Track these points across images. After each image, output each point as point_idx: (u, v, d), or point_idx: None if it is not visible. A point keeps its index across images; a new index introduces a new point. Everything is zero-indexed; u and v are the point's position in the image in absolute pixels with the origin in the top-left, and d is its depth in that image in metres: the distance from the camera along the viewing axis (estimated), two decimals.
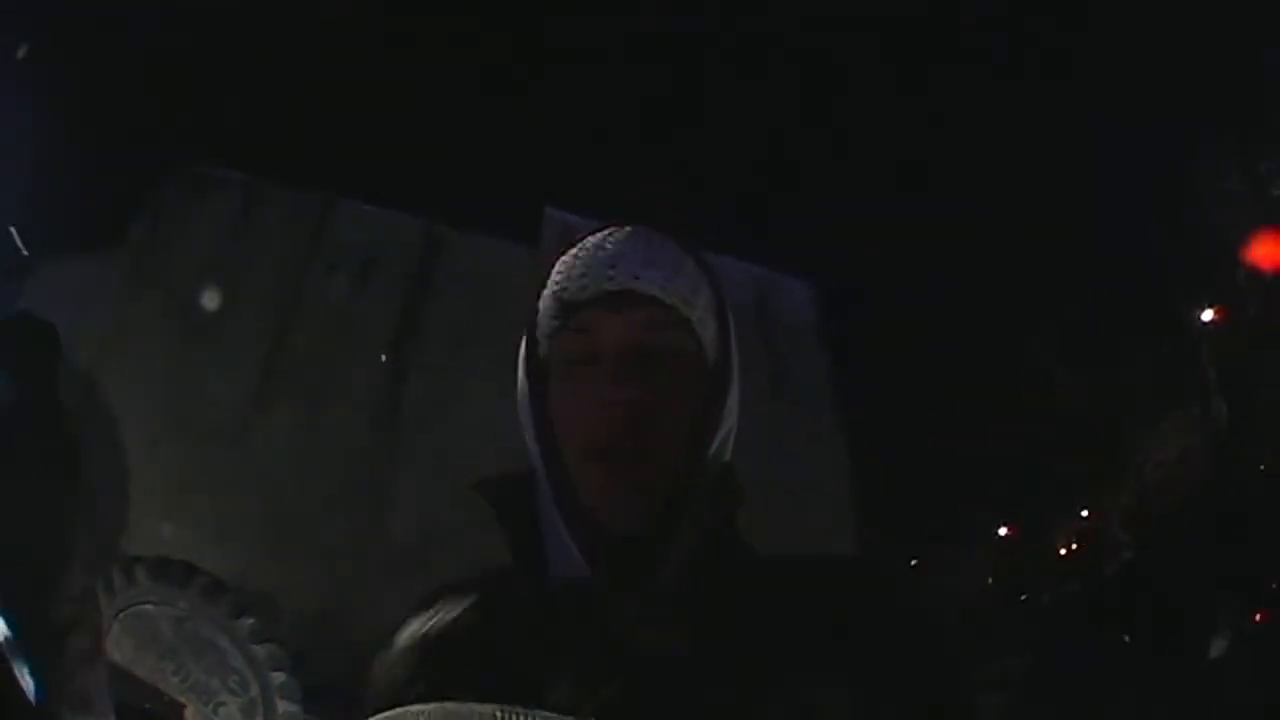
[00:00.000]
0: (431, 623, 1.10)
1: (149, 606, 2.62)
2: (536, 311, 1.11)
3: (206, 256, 4.84)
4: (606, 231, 1.11)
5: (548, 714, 0.84)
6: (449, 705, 0.88)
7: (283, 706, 2.53)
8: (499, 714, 0.85)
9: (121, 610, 2.56)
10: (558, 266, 1.10)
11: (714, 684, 0.93)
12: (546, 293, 1.09)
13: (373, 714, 0.95)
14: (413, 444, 4.70)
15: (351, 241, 5.03)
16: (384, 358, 4.71)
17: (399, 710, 0.91)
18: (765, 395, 4.54)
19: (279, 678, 2.54)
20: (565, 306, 1.07)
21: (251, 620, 2.65)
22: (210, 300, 4.67)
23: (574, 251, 1.10)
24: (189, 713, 2.49)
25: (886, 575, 1.11)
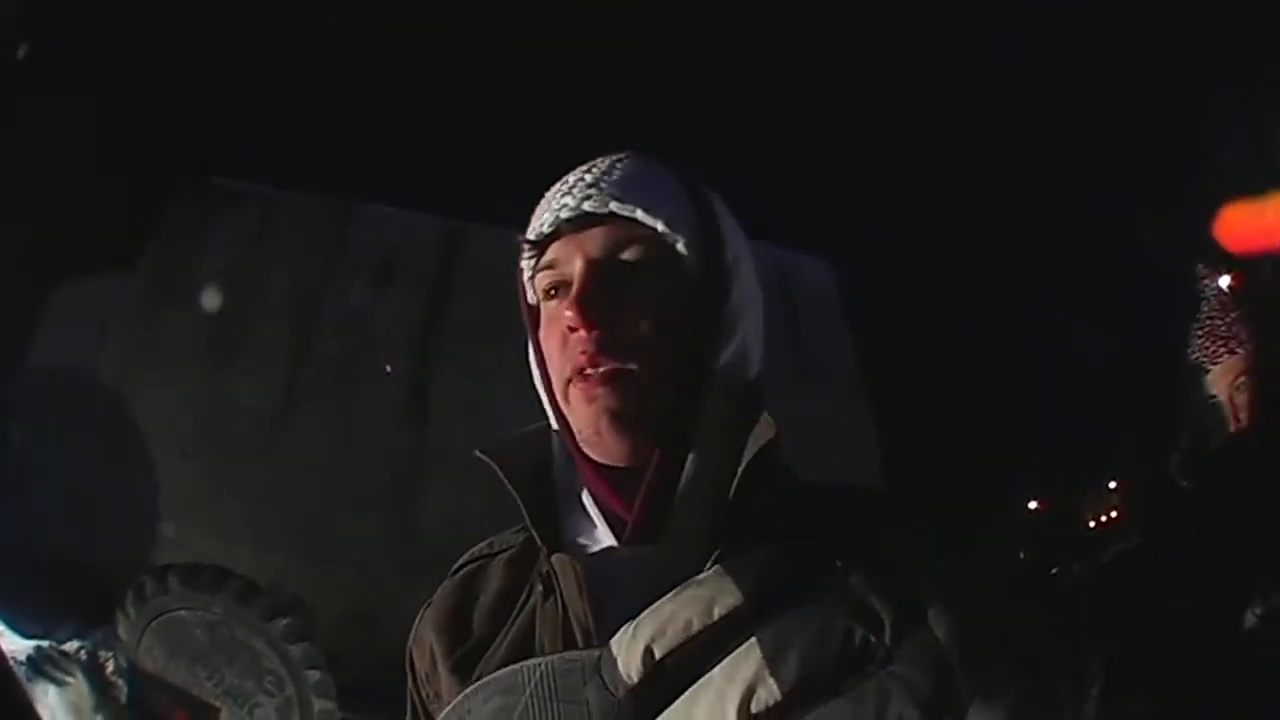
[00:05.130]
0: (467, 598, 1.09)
1: (182, 613, 2.63)
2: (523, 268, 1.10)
3: (227, 269, 4.87)
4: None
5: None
6: (568, 654, 0.90)
7: (318, 704, 2.55)
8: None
9: (154, 618, 2.58)
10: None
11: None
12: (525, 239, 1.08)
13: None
14: (441, 443, 4.71)
15: (371, 245, 5.04)
16: (388, 369, 4.73)
17: (510, 669, 0.92)
18: (793, 377, 4.51)
19: (314, 676, 2.55)
20: (533, 245, 1.06)
21: (286, 621, 2.66)
22: (232, 311, 4.70)
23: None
24: (223, 716, 2.51)
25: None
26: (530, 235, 1.05)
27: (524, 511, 1.01)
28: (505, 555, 1.11)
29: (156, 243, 4.89)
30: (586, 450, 1.01)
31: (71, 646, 2.47)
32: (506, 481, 1.03)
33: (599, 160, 1.07)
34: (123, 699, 2.44)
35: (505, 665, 0.94)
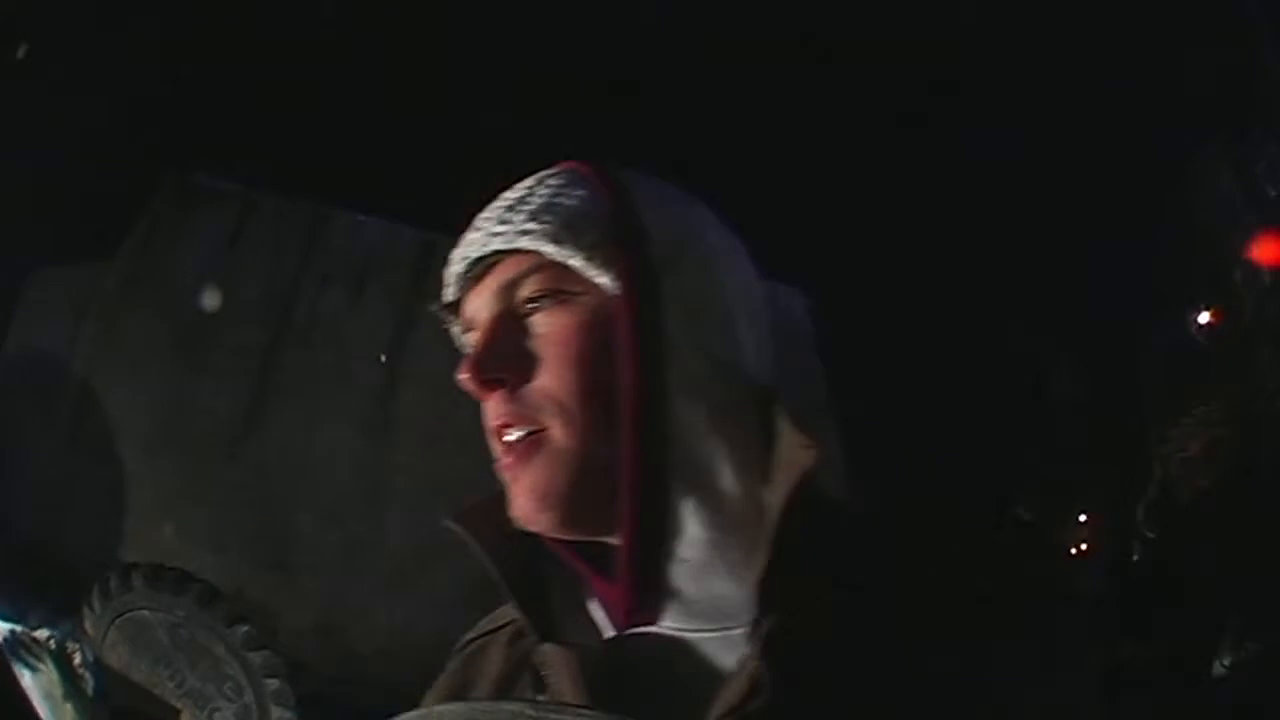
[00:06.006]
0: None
1: (145, 612, 2.62)
2: None
3: (202, 268, 4.86)
4: None
5: (585, 711, 0.69)
6: (475, 703, 0.74)
7: (277, 713, 2.53)
8: (531, 711, 0.68)
9: (118, 615, 2.56)
10: None
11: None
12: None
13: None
14: (408, 455, 4.70)
15: (345, 252, 5.04)
16: (382, 358, 4.71)
17: (422, 711, 0.75)
18: None
19: (273, 684, 2.54)
20: (448, 309, 0.91)
21: (246, 628, 2.65)
22: (205, 311, 4.68)
23: None
24: (184, 718, 2.50)
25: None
26: (445, 300, 0.90)
27: (506, 592, 0.85)
28: (507, 631, 0.92)
29: (132, 239, 4.87)
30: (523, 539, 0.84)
31: (42, 634, 2.46)
32: (484, 557, 0.85)
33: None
34: (89, 691, 2.44)
35: None
